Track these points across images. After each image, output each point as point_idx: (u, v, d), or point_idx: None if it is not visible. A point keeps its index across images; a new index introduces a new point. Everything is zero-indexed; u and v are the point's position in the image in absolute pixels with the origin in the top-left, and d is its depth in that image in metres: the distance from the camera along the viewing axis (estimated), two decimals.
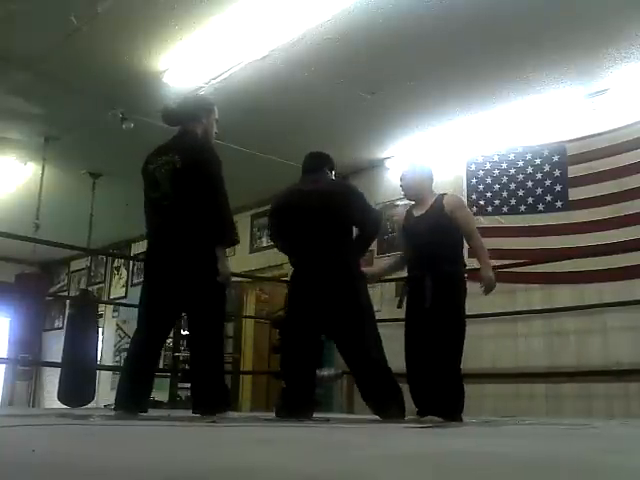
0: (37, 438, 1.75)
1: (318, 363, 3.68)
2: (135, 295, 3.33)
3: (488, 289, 3.52)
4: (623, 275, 4.53)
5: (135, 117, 5.32)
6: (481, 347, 5.16)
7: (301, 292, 3.46)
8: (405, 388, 3.46)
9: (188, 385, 3.61)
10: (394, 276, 4.45)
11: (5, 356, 8.29)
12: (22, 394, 10.48)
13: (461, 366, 3.45)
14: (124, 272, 9.50)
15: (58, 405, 5.55)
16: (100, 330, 6.95)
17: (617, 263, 4.56)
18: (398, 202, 3.87)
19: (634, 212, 4.60)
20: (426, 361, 3.47)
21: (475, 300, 5.28)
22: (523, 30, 4.18)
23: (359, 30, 4.16)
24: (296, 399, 3.36)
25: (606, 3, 3.89)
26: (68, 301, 8.76)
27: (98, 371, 6.52)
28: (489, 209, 5.46)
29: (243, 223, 7.50)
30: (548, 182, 5.17)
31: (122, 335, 9.08)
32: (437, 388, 3.40)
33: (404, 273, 3.88)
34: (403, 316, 3.69)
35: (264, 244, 7.41)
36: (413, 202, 3.80)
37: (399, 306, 3.75)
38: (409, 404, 3.43)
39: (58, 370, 5.86)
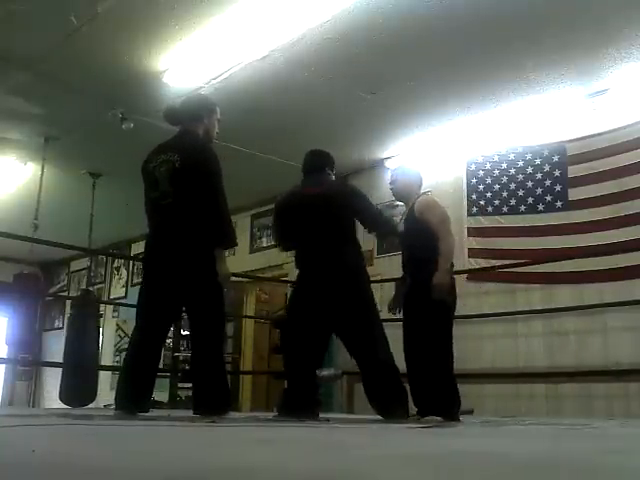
0: (37, 438, 1.75)
1: (320, 363, 3.68)
2: (135, 295, 3.33)
3: (436, 296, 3.37)
4: (623, 275, 4.53)
5: (135, 117, 5.32)
6: (481, 347, 5.16)
7: (305, 293, 3.47)
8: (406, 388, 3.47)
9: (188, 385, 3.60)
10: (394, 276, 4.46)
11: (5, 356, 8.28)
12: (22, 394, 10.48)
13: (454, 365, 3.45)
14: (124, 272, 9.51)
15: (58, 405, 5.56)
16: (100, 330, 6.94)
17: (617, 263, 4.56)
18: (398, 202, 3.87)
19: (634, 212, 4.60)
20: (419, 362, 3.49)
21: (475, 300, 5.29)
22: (523, 30, 4.18)
23: (359, 30, 4.16)
24: (298, 399, 3.36)
25: (606, 3, 3.89)
26: (68, 301, 8.75)
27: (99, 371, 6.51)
28: (489, 209, 5.46)
29: (243, 223, 7.49)
30: (548, 182, 5.17)
31: (122, 335, 9.08)
32: (430, 389, 3.41)
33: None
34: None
35: (264, 244, 7.40)
36: None
37: (389, 309, 3.79)
38: (409, 404, 3.43)
39: (58, 370, 5.86)
